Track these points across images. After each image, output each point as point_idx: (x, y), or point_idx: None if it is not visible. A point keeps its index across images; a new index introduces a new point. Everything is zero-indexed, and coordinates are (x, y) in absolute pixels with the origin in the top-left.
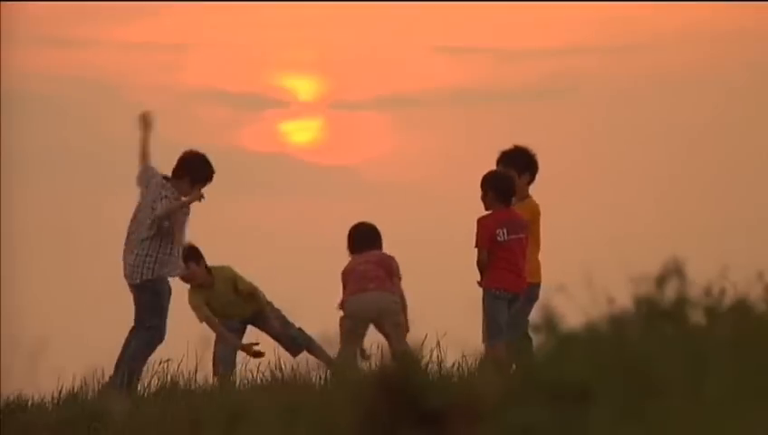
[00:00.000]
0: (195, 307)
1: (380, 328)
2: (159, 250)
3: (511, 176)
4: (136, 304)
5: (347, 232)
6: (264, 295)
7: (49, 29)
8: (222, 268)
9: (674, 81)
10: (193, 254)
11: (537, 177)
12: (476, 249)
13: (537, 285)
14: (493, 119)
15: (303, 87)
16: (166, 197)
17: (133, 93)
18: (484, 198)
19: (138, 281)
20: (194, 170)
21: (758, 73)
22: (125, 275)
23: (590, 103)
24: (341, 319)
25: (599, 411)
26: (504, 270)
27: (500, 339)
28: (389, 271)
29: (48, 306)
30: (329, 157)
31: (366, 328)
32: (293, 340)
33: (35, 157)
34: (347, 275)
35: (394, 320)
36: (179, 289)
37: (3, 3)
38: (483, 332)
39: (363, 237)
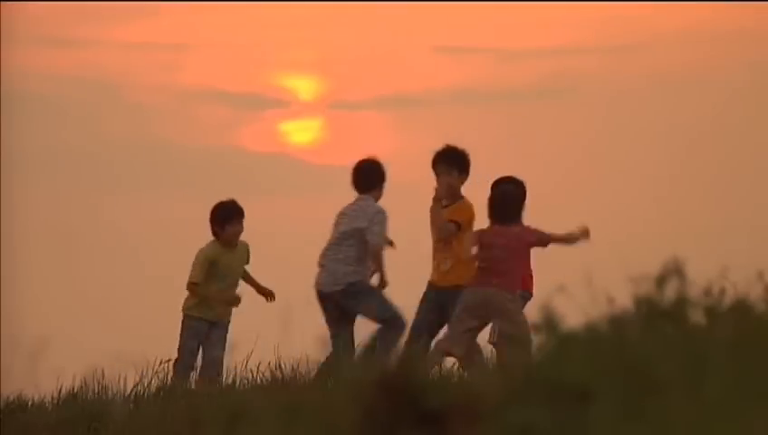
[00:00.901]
0: (201, 261)
1: (491, 322)
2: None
3: (522, 183)
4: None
5: (491, 189)
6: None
7: (49, 29)
8: (244, 242)
9: (674, 81)
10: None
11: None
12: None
13: (453, 290)
14: (493, 119)
15: (303, 87)
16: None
17: (133, 93)
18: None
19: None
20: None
21: (758, 73)
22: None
23: (590, 103)
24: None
25: (599, 411)
26: (529, 274)
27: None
28: (528, 247)
29: (48, 306)
30: (329, 157)
31: (473, 321)
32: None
33: (35, 157)
34: (483, 246)
35: (512, 319)
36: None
37: (3, 3)
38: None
39: (511, 204)
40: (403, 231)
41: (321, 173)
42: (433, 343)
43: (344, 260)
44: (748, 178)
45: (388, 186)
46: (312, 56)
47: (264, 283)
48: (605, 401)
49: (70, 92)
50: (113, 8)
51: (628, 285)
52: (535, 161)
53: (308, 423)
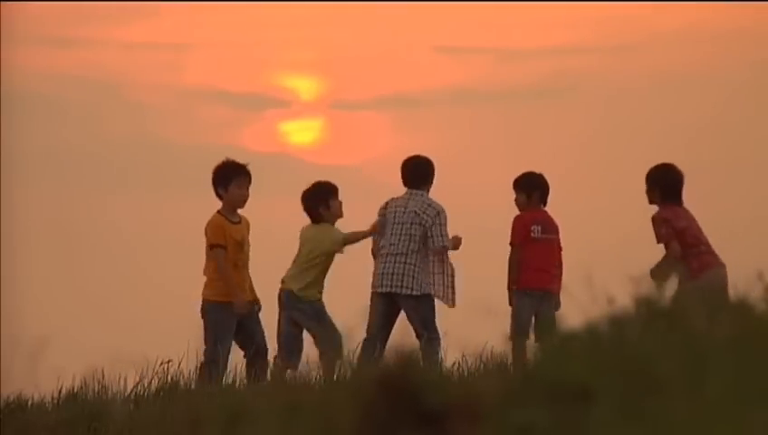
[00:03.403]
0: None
1: None
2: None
3: (543, 176)
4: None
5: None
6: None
7: (49, 29)
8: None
9: (674, 80)
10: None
11: None
12: (510, 247)
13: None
14: (493, 118)
15: (304, 87)
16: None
17: (134, 93)
18: (526, 200)
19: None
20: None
21: (758, 73)
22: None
23: (590, 103)
24: None
25: (599, 411)
26: (535, 270)
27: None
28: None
29: (48, 306)
30: (329, 157)
31: None
32: None
33: (35, 157)
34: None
35: None
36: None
37: (3, 3)
38: (510, 330)
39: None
40: None
41: (322, 173)
42: None
43: None
44: (748, 178)
45: (386, 185)
46: (312, 56)
47: (263, 282)
48: (605, 401)
49: (70, 92)
50: (113, 8)
51: (628, 285)
52: (535, 161)
53: (308, 423)
